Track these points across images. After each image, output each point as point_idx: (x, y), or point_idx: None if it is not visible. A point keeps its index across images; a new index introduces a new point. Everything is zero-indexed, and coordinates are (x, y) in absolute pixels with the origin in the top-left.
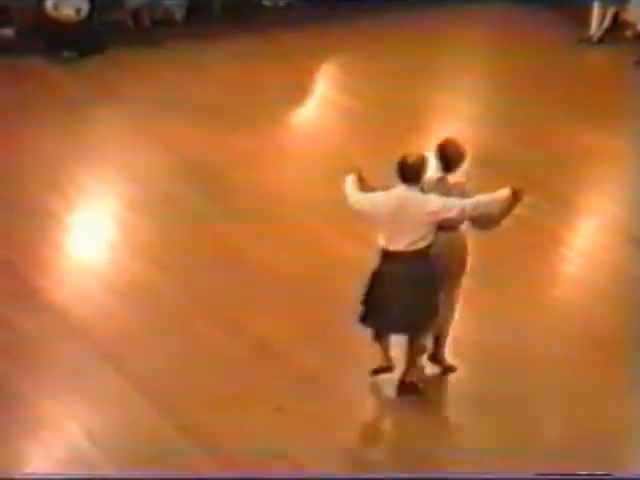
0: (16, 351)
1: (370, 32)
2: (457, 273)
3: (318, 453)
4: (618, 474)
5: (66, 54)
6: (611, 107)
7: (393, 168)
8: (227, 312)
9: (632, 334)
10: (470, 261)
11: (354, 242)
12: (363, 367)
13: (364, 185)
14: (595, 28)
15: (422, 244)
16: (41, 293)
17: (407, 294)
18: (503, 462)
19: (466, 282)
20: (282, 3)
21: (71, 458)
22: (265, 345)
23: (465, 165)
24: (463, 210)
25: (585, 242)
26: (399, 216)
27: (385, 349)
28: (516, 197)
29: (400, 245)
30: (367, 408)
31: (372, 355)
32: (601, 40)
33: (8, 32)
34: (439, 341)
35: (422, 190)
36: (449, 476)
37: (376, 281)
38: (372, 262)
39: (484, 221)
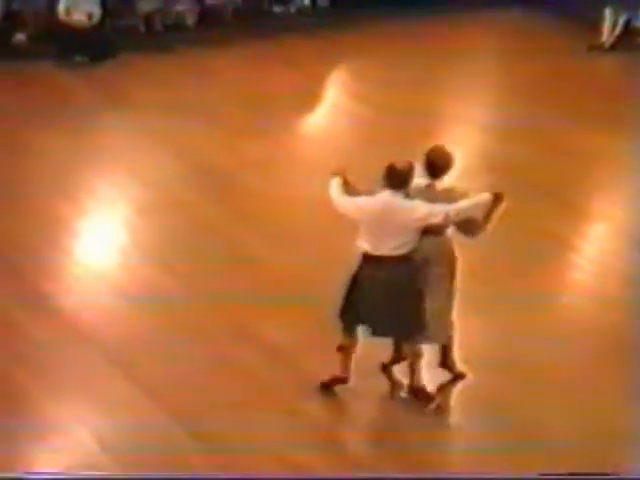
0: (26, 356)
1: (381, 38)
2: (447, 277)
3: (328, 457)
4: (619, 475)
5: (78, 59)
6: (622, 114)
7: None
8: (237, 317)
9: None
10: (476, 267)
11: None
12: (374, 372)
13: (349, 188)
14: (607, 35)
15: (405, 249)
16: (51, 298)
17: (388, 299)
18: (505, 464)
19: (474, 288)
20: (293, 9)
21: (81, 462)
22: (276, 350)
23: (452, 172)
24: (447, 215)
25: (595, 249)
26: (384, 221)
27: (347, 358)
28: (497, 200)
29: (383, 250)
30: (376, 412)
31: (380, 360)
32: (613, 47)
33: (20, 37)
34: (446, 346)
35: (407, 196)
36: (450, 476)
37: (356, 284)
38: None
39: (469, 227)
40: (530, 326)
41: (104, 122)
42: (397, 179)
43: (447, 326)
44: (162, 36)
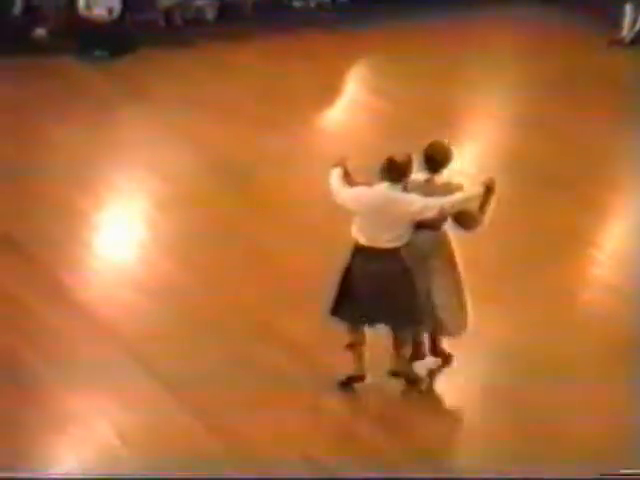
0: (46, 349)
1: (400, 34)
2: (448, 270)
3: (347, 452)
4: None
5: (98, 53)
6: None
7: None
8: (257, 312)
9: None
10: (494, 262)
11: None
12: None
13: (349, 179)
14: (627, 30)
15: (399, 242)
16: (70, 291)
17: (380, 291)
18: (520, 456)
19: (492, 283)
20: (313, 4)
21: (100, 454)
22: (295, 345)
23: (451, 166)
24: (443, 208)
25: (613, 243)
26: (381, 213)
27: (359, 356)
28: (489, 191)
29: (378, 242)
30: (396, 407)
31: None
32: (633, 42)
33: (41, 32)
34: (435, 334)
35: (405, 189)
36: (450, 476)
37: (348, 278)
38: None
39: (466, 220)
40: (548, 320)
41: (124, 116)
42: (396, 172)
43: (463, 319)
44: (182, 30)
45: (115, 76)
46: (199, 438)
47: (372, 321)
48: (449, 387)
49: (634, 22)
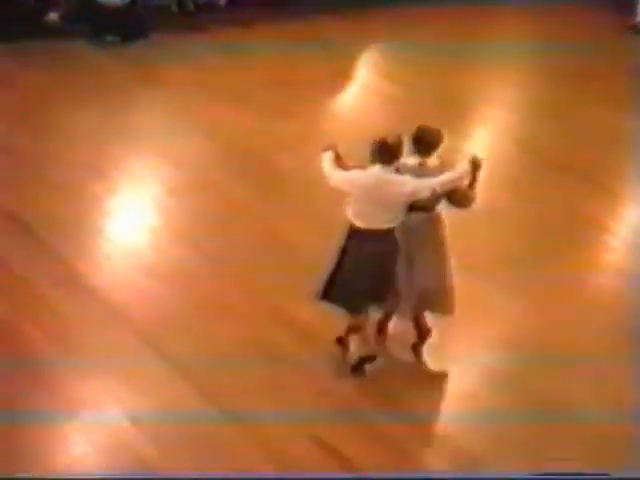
0: (57, 334)
1: (413, 19)
2: (436, 250)
3: (360, 437)
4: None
5: (110, 39)
6: None
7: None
8: (268, 297)
9: None
10: (509, 248)
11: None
12: (405, 353)
13: (340, 163)
14: None
15: (393, 223)
16: (82, 276)
17: (374, 269)
18: (534, 441)
19: (507, 270)
20: None
21: (113, 439)
22: (306, 329)
23: (440, 149)
24: (434, 189)
25: (629, 231)
26: (375, 195)
27: (365, 337)
28: (475, 166)
29: (374, 223)
30: (410, 392)
31: (408, 341)
32: None
33: (53, 16)
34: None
35: (397, 171)
36: (451, 476)
37: (343, 258)
38: None
39: (458, 198)
40: (561, 306)
41: (135, 102)
42: (388, 154)
43: (448, 300)
44: (194, 16)
45: (127, 61)
46: (211, 421)
47: (359, 306)
48: (461, 371)
49: None
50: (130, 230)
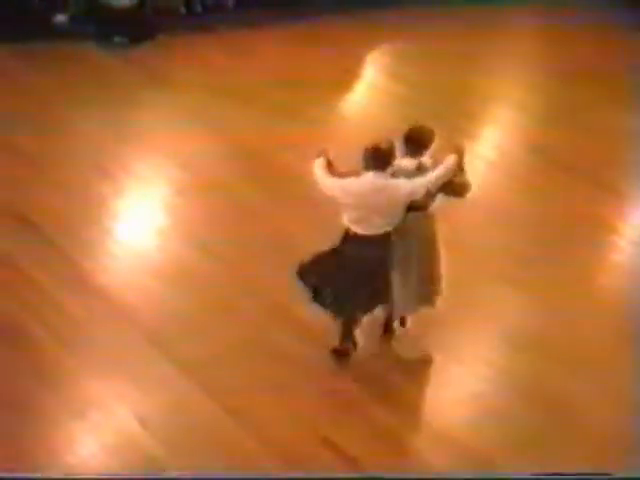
0: (64, 334)
1: (421, 20)
2: (432, 246)
3: (362, 435)
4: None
5: (117, 40)
6: None
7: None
8: (275, 297)
9: None
10: (515, 248)
11: None
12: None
13: (332, 169)
14: None
15: (389, 227)
16: (89, 277)
17: (371, 274)
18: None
19: (514, 269)
20: None
21: (120, 438)
22: (313, 329)
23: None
24: (428, 187)
25: (636, 231)
26: (371, 202)
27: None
28: (459, 154)
29: (372, 229)
30: (411, 393)
31: (416, 339)
32: None
33: (60, 18)
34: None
35: (393, 175)
36: (451, 476)
37: (340, 264)
38: None
39: (453, 189)
40: (568, 306)
41: (143, 103)
42: (381, 160)
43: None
44: (202, 17)
45: (134, 63)
46: (216, 420)
47: (353, 313)
48: (465, 371)
49: None
50: (136, 230)
